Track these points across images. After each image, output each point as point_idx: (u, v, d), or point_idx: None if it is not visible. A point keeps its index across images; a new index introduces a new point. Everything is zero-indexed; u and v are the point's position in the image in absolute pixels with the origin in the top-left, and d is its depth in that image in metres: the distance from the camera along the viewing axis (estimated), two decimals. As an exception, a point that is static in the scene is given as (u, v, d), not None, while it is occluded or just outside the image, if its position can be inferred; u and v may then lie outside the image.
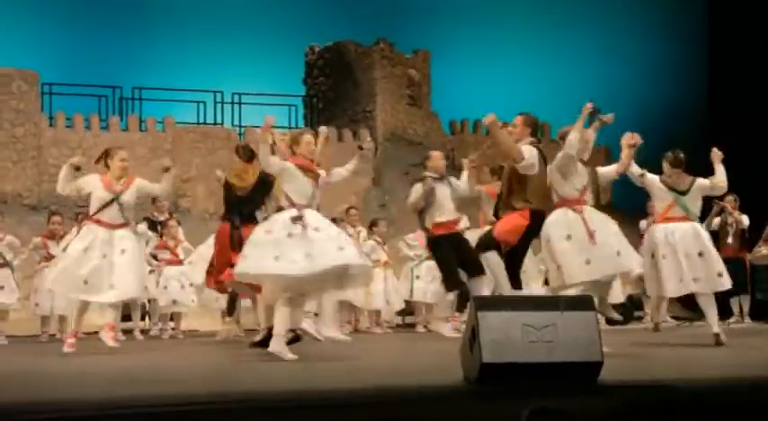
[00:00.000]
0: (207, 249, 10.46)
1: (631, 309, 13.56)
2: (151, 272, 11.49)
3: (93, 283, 8.25)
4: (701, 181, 8.76)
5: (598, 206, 8.07)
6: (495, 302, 5.78)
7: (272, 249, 7.19)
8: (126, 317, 11.71)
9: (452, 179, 9.90)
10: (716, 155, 8.84)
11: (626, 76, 19.40)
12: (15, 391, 5.67)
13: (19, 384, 6.19)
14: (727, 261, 11.92)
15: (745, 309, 13.27)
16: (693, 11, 18.73)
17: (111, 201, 8.49)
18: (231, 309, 10.27)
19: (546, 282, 9.41)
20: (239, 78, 18.64)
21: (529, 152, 7.76)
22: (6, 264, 10.92)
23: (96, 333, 12.06)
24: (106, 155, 8.85)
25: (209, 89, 17.77)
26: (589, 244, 7.66)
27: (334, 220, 10.66)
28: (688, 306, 14.41)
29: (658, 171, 8.81)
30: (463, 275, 9.50)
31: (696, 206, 8.80)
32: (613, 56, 20.04)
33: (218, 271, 9.12)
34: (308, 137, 8.12)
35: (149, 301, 11.76)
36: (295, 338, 7.84)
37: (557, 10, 20.84)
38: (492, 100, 19.08)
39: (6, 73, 15.30)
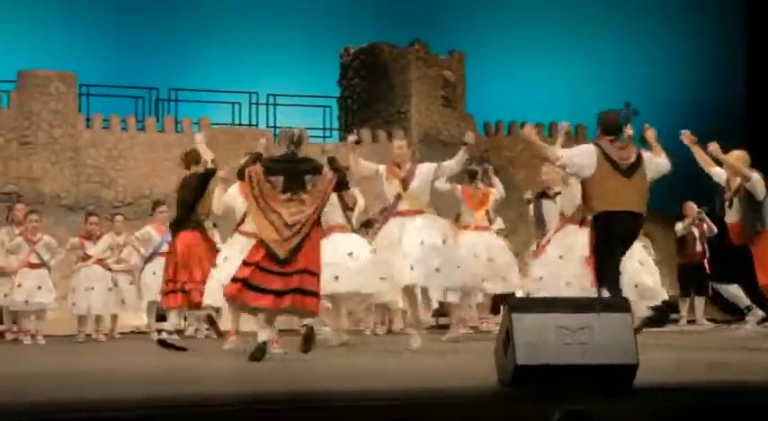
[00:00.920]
0: None
1: (667, 311, 13.44)
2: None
3: None
4: None
5: None
6: (530, 304, 5.75)
7: None
8: (161, 317, 11.77)
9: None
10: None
11: (662, 75, 19.24)
12: (52, 391, 5.72)
13: (54, 383, 6.24)
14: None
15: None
16: (729, 4, 18.56)
17: None
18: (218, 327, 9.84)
19: None
20: (274, 79, 18.69)
21: (568, 154, 7.56)
22: (43, 265, 11.01)
23: (132, 333, 12.17)
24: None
25: (244, 90, 17.83)
26: None
27: (369, 222, 10.71)
28: (725, 309, 14.28)
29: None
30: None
31: None
32: (649, 54, 19.88)
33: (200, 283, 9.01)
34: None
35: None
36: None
37: (592, 10, 20.71)
38: (527, 101, 19.01)
39: (44, 74, 15.45)
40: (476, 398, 5.20)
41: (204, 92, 17.49)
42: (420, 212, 8.46)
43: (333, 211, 9.22)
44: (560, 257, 8.78)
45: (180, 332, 11.86)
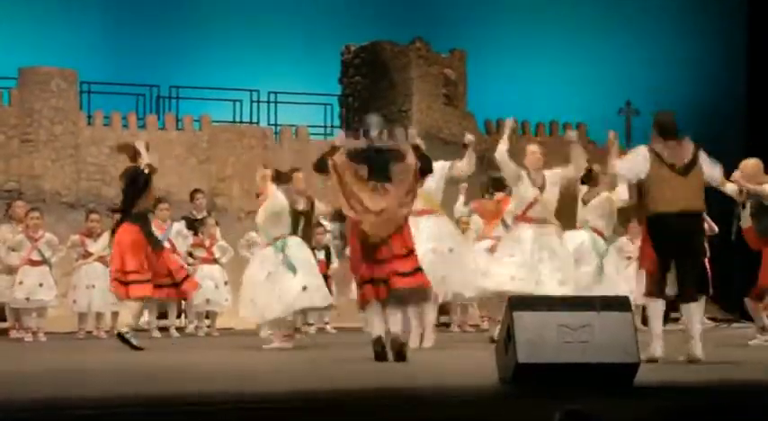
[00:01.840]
0: None
1: (667, 311, 13.41)
2: (187, 270, 11.54)
3: None
4: None
5: None
6: (531, 302, 5.76)
7: None
8: (162, 315, 11.78)
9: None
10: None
11: (662, 75, 19.21)
12: (52, 388, 5.72)
13: (55, 381, 6.25)
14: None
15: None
16: (730, 4, 18.52)
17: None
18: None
19: None
20: (275, 77, 18.66)
21: (620, 163, 7.43)
22: (45, 262, 11.02)
23: (133, 330, 12.15)
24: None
25: (245, 88, 17.82)
26: None
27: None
28: (727, 308, 14.26)
29: None
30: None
31: None
32: (650, 54, 19.85)
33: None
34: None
35: (185, 299, 11.82)
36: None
37: (593, 9, 20.69)
38: (528, 100, 18.99)
39: (45, 71, 15.42)
40: (477, 396, 5.20)
41: (205, 89, 17.47)
42: (432, 212, 8.45)
43: None
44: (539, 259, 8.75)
45: (180, 329, 11.89)
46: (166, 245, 11.41)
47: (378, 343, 7.33)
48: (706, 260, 13.24)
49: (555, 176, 8.96)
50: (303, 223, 9.59)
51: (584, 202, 9.60)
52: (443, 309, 11.97)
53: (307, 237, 9.58)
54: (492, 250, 9.39)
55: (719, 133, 16.56)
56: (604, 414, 4.37)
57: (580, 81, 19.68)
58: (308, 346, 9.40)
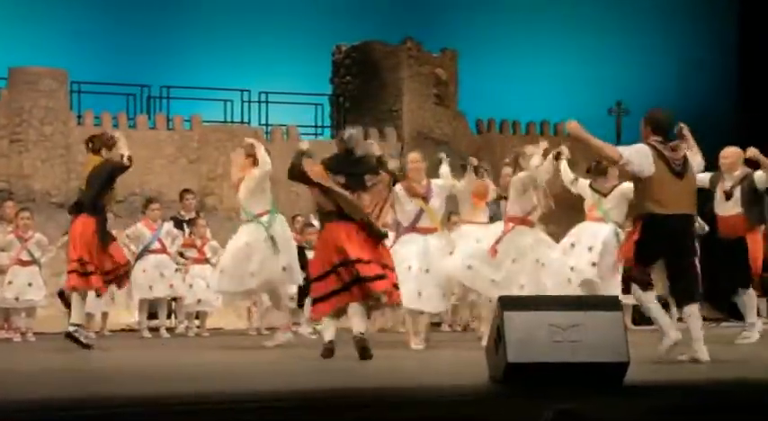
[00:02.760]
0: None
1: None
2: (177, 270, 11.52)
3: None
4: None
5: None
6: (521, 302, 5.77)
7: None
8: (152, 315, 11.76)
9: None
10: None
11: (654, 74, 19.26)
12: (42, 389, 5.71)
13: (45, 381, 6.23)
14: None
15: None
16: (722, 4, 18.57)
17: None
18: None
19: None
20: (266, 77, 18.66)
21: (628, 152, 7.15)
22: (34, 262, 10.99)
23: (123, 330, 12.15)
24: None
25: (236, 88, 17.81)
26: None
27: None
28: (717, 307, 14.28)
29: None
30: None
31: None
32: (641, 53, 19.90)
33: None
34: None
35: (175, 300, 11.80)
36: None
37: (583, 9, 20.73)
38: (519, 99, 19.01)
39: (35, 71, 15.39)
40: (467, 396, 5.20)
41: (196, 89, 17.46)
42: (436, 230, 8.58)
43: None
44: (513, 261, 8.72)
45: (170, 329, 11.87)
46: (157, 245, 11.42)
47: (330, 347, 7.51)
48: (696, 259, 13.34)
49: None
50: None
51: (602, 194, 9.48)
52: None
53: None
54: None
55: (710, 132, 16.56)
56: (594, 413, 4.38)
57: (571, 81, 19.72)
58: (298, 345, 9.39)
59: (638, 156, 7.09)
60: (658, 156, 7.08)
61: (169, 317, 12.08)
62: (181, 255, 11.68)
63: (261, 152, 9.19)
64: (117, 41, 19.05)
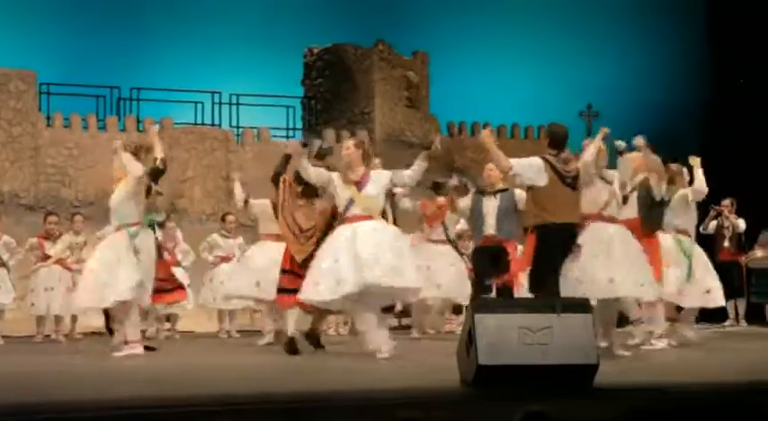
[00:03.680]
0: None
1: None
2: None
3: None
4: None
5: None
6: (492, 305, 5.78)
7: None
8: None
9: None
10: (694, 160, 8.98)
11: (624, 76, 19.37)
12: (9, 392, 5.66)
13: (13, 385, 6.18)
14: (723, 264, 11.89)
15: (741, 312, 13.27)
16: (688, 4, 18.68)
17: None
18: None
19: None
20: (237, 79, 18.60)
21: (519, 165, 7.61)
22: (2, 264, 10.91)
23: (93, 334, 12.07)
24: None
25: (207, 90, 17.74)
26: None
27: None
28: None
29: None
30: None
31: None
32: (611, 55, 20.01)
33: None
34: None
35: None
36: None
37: (556, 12, 20.82)
38: (491, 102, 19.07)
39: (4, 73, 15.27)
40: (438, 399, 5.21)
41: (167, 91, 17.38)
42: (371, 218, 8.16)
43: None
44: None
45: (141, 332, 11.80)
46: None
47: (293, 341, 8.26)
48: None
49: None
50: None
51: (665, 203, 9.16)
52: (405, 312, 12.00)
53: None
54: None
55: (680, 134, 16.70)
56: (564, 415, 4.39)
57: (542, 84, 19.80)
58: (272, 350, 9.37)
59: (530, 168, 7.59)
60: (551, 168, 7.55)
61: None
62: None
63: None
64: (86, 43, 18.94)
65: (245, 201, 9.75)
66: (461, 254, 11.17)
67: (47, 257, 11.29)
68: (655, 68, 19.19)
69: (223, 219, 12.37)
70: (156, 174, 8.64)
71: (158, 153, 8.56)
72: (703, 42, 17.82)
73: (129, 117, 16.63)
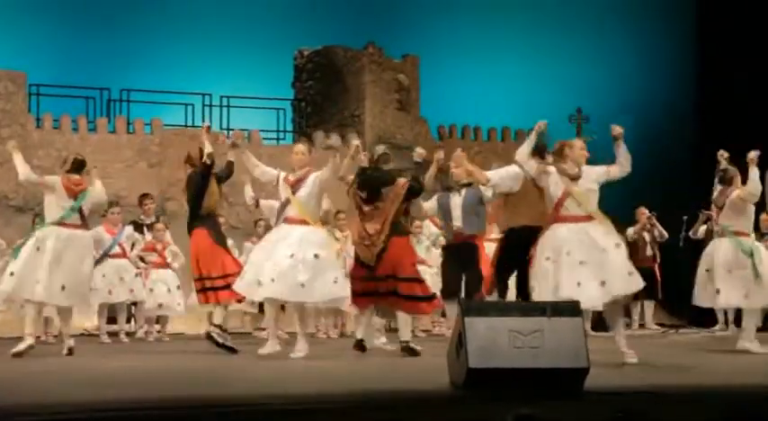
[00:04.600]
0: None
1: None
2: (137, 275, 11.44)
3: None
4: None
5: None
6: (482, 308, 5.78)
7: None
8: (111, 319, 11.67)
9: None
10: (750, 157, 8.81)
11: (615, 77, 19.42)
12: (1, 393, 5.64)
13: (5, 386, 6.16)
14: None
15: (731, 316, 13.28)
16: (678, 7, 18.74)
17: None
18: None
19: None
20: (228, 81, 18.61)
21: (497, 176, 8.29)
22: (-8, 266, 10.87)
23: (82, 335, 12.04)
24: None
25: (197, 91, 17.73)
26: None
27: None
28: (675, 313, 14.44)
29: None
30: None
31: None
32: (602, 56, 20.06)
33: None
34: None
35: (135, 304, 11.72)
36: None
37: (546, 15, 20.87)
38: (481, 105, 19.11)
39: (-7, 74, 15.27)
40: (428, 401, 5.21)
41: (157, 93, 17.37)
42: (304, 222, 8.20)
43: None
44: None
45: (130, 334, 11.78)
46: (117, 249, 11.33)
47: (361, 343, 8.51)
48: (656, 266, 13.48)
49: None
50: None
51: (717, 206, 9.09)
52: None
53: None
54: None
55: (670, 137, 16.75)
56: (554, 418, 4.40)
57: (531, 88, 19.85)
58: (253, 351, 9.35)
59: (507, 178, 8.21)
60: (526, 176, 7.96)
61: (128, 321, 11.99)
62: (141, 259, 11.61)
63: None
64: (77, 44, 18.92)
65: (257, 202, 9.76)
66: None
67: (36, 259, 11.23)
68: (645, 73, 19.24)
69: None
70: (207, 170, 8.89)
71: (207, 148, 8.87)
72: (694, 43, 17.86)
73: (120, 119, 16.61)
